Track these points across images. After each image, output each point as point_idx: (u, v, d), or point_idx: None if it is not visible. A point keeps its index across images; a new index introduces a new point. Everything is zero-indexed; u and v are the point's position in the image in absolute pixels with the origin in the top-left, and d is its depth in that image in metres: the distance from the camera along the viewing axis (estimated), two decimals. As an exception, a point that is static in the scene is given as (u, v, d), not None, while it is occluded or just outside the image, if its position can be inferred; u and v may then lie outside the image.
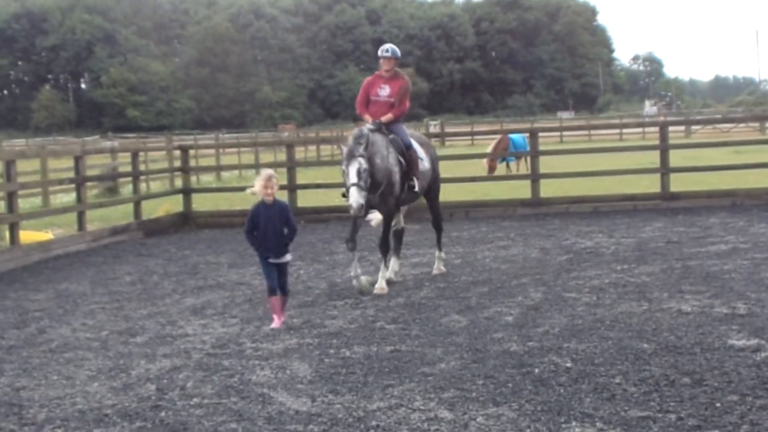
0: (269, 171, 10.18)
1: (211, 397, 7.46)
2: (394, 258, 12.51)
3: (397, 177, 11.75)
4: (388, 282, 11.84)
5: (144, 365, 8.59)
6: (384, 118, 12.00)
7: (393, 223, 12.25)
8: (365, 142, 11.19)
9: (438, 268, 12.85)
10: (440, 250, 13.07)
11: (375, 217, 12.24)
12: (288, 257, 10.13)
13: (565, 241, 15.48)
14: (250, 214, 10.00)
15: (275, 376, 8.01)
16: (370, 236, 14.59)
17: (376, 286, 11.47)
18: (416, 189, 12.18)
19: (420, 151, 12.42)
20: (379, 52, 12.49)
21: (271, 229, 9.80)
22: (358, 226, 11.75)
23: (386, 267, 11.93)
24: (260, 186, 9.79)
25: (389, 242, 12.18)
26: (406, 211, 13.65)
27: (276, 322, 9.76)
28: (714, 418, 6.34)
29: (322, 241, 16.60)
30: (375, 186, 11.34)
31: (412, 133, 12.93)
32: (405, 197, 12.27)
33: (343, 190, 11.87)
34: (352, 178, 10.99)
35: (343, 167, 11.31)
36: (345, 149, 11.29)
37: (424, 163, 12.51)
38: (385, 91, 12.28)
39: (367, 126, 11.66)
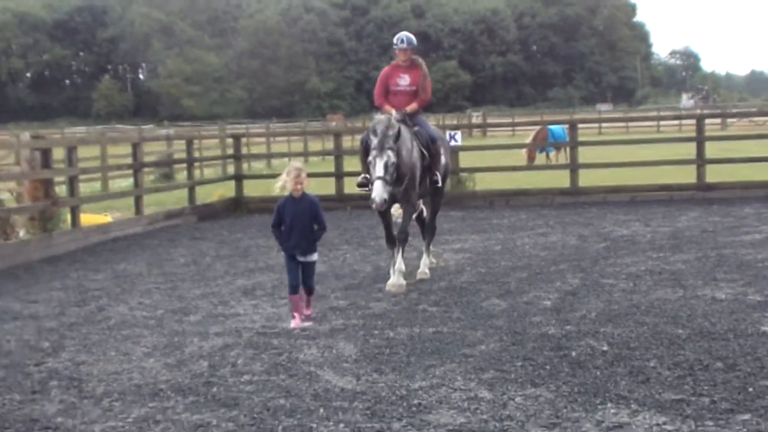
0: (297, 165, 9.48)
1: (261, 374, 7.52)
2: (426, 256, 11.95)
3: (418, 171, 11.10)
4: (419, 279, 11.46)
5: (197, 343, 8.67)
6: (409, 108, 11.47)
7: (410, 218, 11.45)
8: (396, 133, 10.49)
9: (422, 271, 11.66)
10: (428, 251, 12.16)
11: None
12: (314, 257, 9.44)
13: (603, 229, 15.41)
14: (277, 208, 9.36)
15: (322, 355, 8.06)
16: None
17: (390, 282, 10.79)
18: (439, 184, 11.68)
19: (440, 143, 11.91)
20: (395, 43, 11.78)
21: (298, 225, 9.15)
22: (390, 224, 11.29)
23: (402, 260, 10.97)
24: (290, 182, 9.11)
25: (407, 232, 11.29)
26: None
27: (296, 321, 9.14)
28: (746, 402, 6.31)
29: (367, 226, 16.59)
30: (400, 180, 10.66)
31: (429, 123, 12.40)
32: (425, 191, 11.74)
33: (360, 178, 11.53)
34: (379, 171, 10.24)
35: (370, 158, 10.52)
36: (375, 139, 10.45)
37: (443, 157, 11.94)
38: (405, 81, 11.74)
39: (394, 116, 10.99)
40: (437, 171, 11.45)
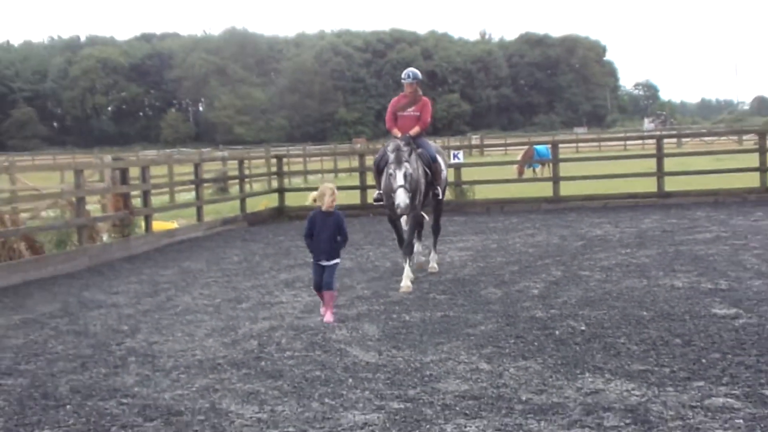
0: (331, 185, 9.15)
1: (300, 351, 7.55)
2: (434, 254, 11.78)
3: (423, 186, 10.78)
4: (429, 272, 11.38)
5: (248, 325, 8.71)
6: (412, 132, 11.03)
7: (415, 228, 11.13)
8: (410, 150, 10.35)
9: (432, 266, 11.60)
10: (436, 250, 11.95)
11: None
12: (336, 261, 8.99)
13: (580, 230, 15.37)
14: (309, 219, 9.05)
15: (350, 335, 8.08)
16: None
17: (402, 285, 10.29)
18: (440, 196, 11.50)
19: (440, 160, 11.50)
20: (403, 77, 11.48)
21: (325, 236, 8.83)
22: (401, 230, 11.05)
23: (411, 267, 10.65)
24: (327, 199, 8.80)
25: (413, 243, 11.11)
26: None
27: (324, 312, 8.83)
28: (700, 372, 6.31)
29: (386, 229, 16.44)
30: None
31: (430, 144, 12.02)
32: (428, 202, 11.39)
33: (375, 194, 11.28)
34: (400, 180, 10.02)
35: (390, 171, 10.26)
36: (392, 155, 10.24)
37: (443, 172, 11.59)
38: (410, 108, 11.39)
39: (398, 139, 10.68)
40: (438, 185, 11.26)
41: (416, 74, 11.51)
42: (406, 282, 10.31)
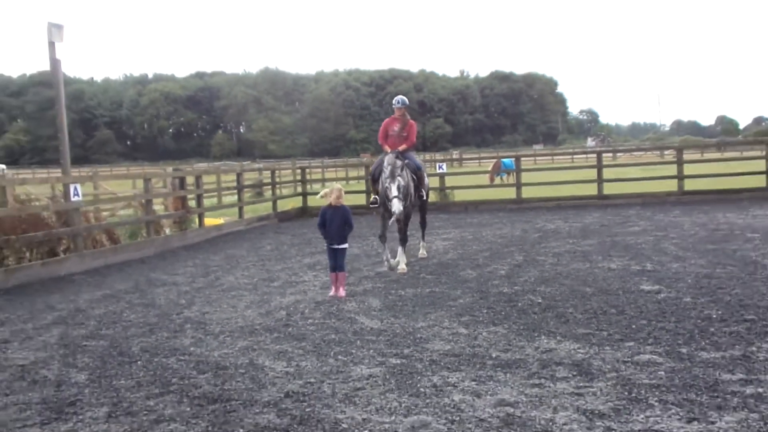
0: (339, 186, 9.19)
1: (319, 319, 7.55)
2: (423, 243, 11.50)
3: (412, 190, 10.45)
4: (420, 258, 11.14)
5: (278, 299, 8.71)
6: (401, 148, 10.65)
7: (407, 225, 10.67)
8: (402, 165, 10.02)
9: (422, 253, 11.33)
10: (424, 240, 11.67)
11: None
12: (345, 245, 8.93)
13: (537, 224, 15.36)
14: (321, 213, 9.05)
15: (358, 307, 8.07)
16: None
17: (399, 267, 10.11)
18: (424, 197, 11.26)
19: (423, 170, 11.15)
20: (393, 103, 11.06)
21: (335, 225, 8.80)
22: (386, 226, 10.69)
23: (404, 254, 10.37)
24: (334, 197, 8.88)
25: (407, 236, 10.62)
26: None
27: (333, 291, 8.75)
28: (631, 335, 6.31)
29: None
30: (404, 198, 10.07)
31: (415, 157, 11.41)
32: (415, 202, 10.89)
33: (371, 199, 10.89)
34: (395, 191, 9.74)
35: (386, 183, 10.00)
36: (387, 169, 9.98)
37: (425, 179, 11.21)
38: (398, 128, 10.97)
39: (390, 154, 10.34)
40: (422, 189, 11.02)
41: (404, 101, 11.22)
42: (402, 265, 10.19)
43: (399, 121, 11.07)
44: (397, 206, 9.78)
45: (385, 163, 10.21)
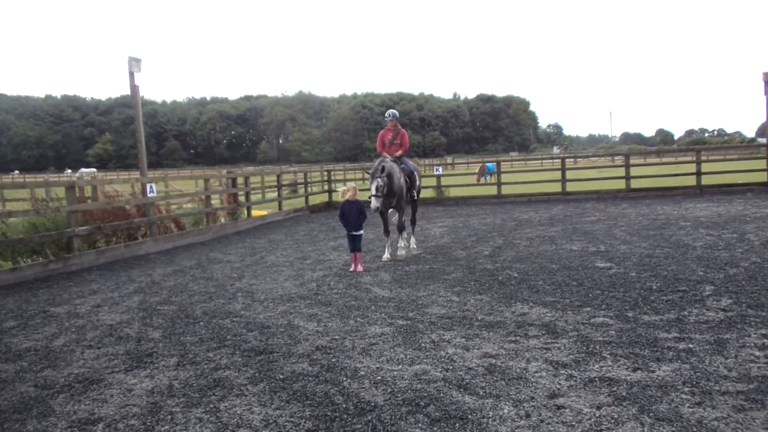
0: (353, 185, 9.04)
1: (342, 289, 7.54)
2: (413, 238, 10.70)
3: (404, 191, 9.78)
4: (410, 251, 10.23)
5: (310, 274, 8.70)
6: (397, 154, 10.05)
7: (402, 218, 9.97)
8: (384, 169, 9.19)
9: (412, 247, 10.46)
10: (413, 235, 10.89)
11: (393, 214, 9.86)
12: (361, 232, 8.88)
13: (514, 215, 15.29)
14: (340, 207, 8.96)
15: (372, 280, 8.06)
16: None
17: (398, 253, 9.64)
18: (416, 198, 10.67)
19: (415, 174, 10.40)
20: (386, 116, 10.41)
21: (352, 216, 8.78)
22: (387, 222, 10.12)
23: (402, 241, 9.84)
24: (350, 194, 8.86)
25: (404, 226, 9.98)
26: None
27: (353, 267, 8.69)
28: (587, 301, 6.26)
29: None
30: (393, 195, 9.38)
31: (409, 162, 10.82)
32: (407, 200, 10.42)
33: (370, 194, 10.09)
34: (373, 191, 8.98)
35: (370, 183, 9.24)
36: (371, 172, 9.32)
37: (417, 181, 10.49)
38: (392, 138, 10.22)
39: (388, 159, 9.72)
40: (414, 190, 10.46)
41: (395, 114, 10.52)
42: (401, 251, 9.67)
43: (392, 131, 10.46)
44: (374, 204, 9.12)
45: (374, 166, 9.55)
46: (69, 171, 72.83)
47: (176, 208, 17.28)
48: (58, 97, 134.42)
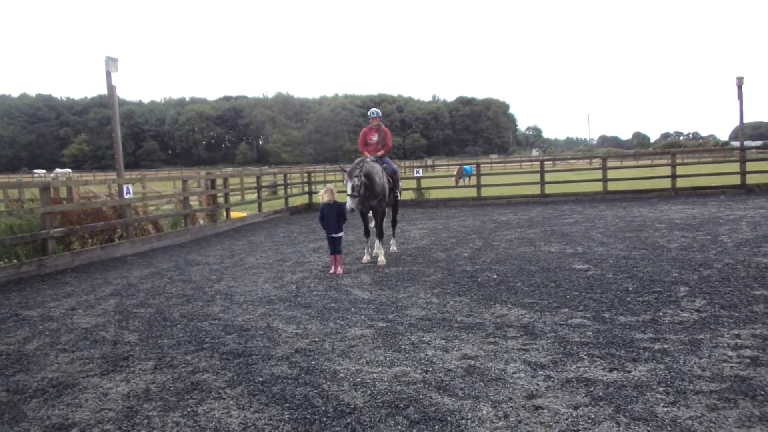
0: (331, 187, 8.91)
1: (322, 291, 7.51)
2: (393, 240, 10.57)
3: (387, 191, 9.57)
4: (391, 253, 10.08)
5: (289, 276, 8.66)
6: (379, 153, 9.94)
7: (383, 221, 9.67)
8: (361, 167, 8.90)
9: (392, 249, 10.30)
10: (394, 237, 10.71)
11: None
12: (341, 233, 8.85)
13: (493, 217, 15.38)
14: (320, 209, 8.91)
15: (353, 282, 8.04)
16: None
17: (379, 259, 9.29)
18: (398, 198, 10.42)
19: (398, 174, 10.24)
20: (369, 114, 10.24)
21: (332, 218, 8.74)
22: (368, 223, 9.71)
23: (382, 248, 9.50)
24: (328, 195, 8.77)
25: (383, 230, 9.72)
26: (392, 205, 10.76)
27: (333, 269, 8.68)
28: (565, 303, 6.32)
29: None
30: (375, 195, 9.20)
31: (391, 162, 10.38)
32: (390, 201, 10.04)
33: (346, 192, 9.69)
34: (349, 190, 8.68)
35: (345, 182, 8.84)
36: (346, 174, 8.84)
37: (399, 182, 10.35)
38: (375, 137, 10.09)
39: (369, 158, 9.50)
40: (397, 191, 10.21)
41: (378, 112, 10.26)
42: (381, 258, 9.36)
43: (375, 131, 10.26)
44: (349, 204, 8.70)
45: (352, 166, 9.07)
46: (43, 171, 71.33)
47: (154, 210, 17.06)
48: (33, 95, 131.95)
